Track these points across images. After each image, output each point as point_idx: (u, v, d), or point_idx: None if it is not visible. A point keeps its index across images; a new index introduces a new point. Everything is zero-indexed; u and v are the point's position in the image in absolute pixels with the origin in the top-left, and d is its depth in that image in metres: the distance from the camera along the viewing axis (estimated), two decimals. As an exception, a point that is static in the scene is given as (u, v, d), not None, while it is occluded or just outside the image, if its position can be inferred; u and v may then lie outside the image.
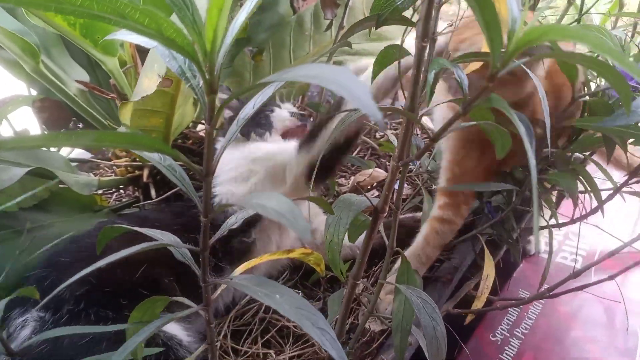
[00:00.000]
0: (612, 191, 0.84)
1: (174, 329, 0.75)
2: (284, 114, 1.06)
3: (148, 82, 0.67)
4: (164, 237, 0.51)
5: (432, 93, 0.49)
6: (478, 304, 0.73)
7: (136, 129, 0.82)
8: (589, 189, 0.81)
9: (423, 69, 0.51)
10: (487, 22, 0.35)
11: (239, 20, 0.37)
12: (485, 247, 0.84)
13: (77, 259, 0.77)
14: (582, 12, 1.13)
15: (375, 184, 1.29)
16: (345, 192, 1.19)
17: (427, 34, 0.49)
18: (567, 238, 1.30)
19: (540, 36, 0.33)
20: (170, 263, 0.82)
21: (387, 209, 0.60)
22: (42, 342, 0.65)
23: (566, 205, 1.26)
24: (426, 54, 0.51)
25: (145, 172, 1.03)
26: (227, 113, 1.07)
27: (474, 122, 0.47)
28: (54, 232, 0.89)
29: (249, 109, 0.43)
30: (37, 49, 0.96)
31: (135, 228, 0.51)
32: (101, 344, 0.68)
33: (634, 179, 0.83)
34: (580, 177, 0.81)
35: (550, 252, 0.87)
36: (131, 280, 0.76)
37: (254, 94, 0.43)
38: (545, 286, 0.91)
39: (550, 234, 0.87)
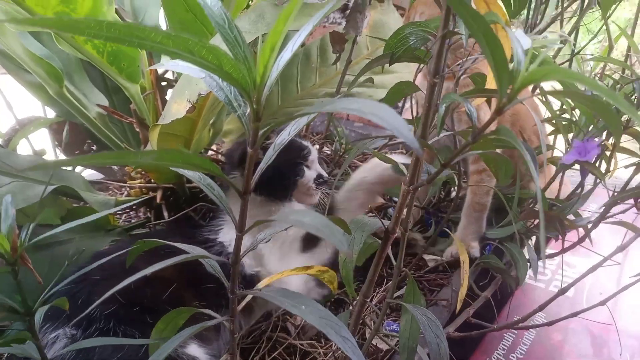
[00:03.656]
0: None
1: (195, 351, 0.76)
2: (310, 182, 0.99)
3: (177, 107, 0.72)
4: (194, 251, 0.55)
5: (442, 124, 0.54)
6: (462, 290, 0.77)
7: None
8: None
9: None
10: (497, 62, 0.40)
11: (284, 58, 0.42)
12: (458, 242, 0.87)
13: (104, 277, 0.78)
14: (575, 53, 1.21)
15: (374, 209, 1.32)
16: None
17: (438, 71, 0.55)
18: (560, 268, 1.35)
19: (544, 76, 0.39)
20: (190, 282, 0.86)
21: (397, 230, 0.65)
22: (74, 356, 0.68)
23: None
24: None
25: (159, 194, 1.07)
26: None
27: (480, 151, 0.52)
28: (72, 248, 0.92)
29: (284, 137, 0.48)
30: (61, 73, 1.01)
31: (168, 242, 0.56)
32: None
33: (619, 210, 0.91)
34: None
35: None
36: (159, 298, 0.78)
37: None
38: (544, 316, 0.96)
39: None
